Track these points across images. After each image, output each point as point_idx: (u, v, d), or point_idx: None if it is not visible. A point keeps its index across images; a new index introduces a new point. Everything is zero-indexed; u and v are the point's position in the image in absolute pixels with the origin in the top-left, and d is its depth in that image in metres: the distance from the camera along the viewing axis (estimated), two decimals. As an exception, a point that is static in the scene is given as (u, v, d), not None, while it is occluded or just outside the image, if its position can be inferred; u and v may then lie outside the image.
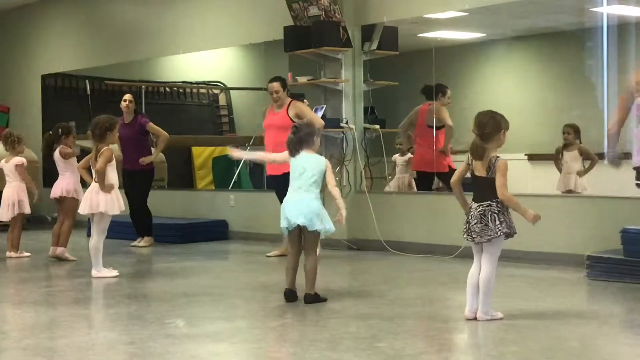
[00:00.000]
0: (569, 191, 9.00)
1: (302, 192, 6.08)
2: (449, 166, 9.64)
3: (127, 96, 9.95)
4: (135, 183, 9.92)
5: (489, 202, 5.33)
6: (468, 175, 5.51)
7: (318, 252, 6.29)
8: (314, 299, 6.10)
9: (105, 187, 7.56)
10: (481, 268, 5.38)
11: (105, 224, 7.69)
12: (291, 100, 8.67)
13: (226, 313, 5.97)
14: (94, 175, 7.67)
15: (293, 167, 6.17)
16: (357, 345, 4.91)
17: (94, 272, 7.60)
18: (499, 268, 5.52)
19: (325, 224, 6.04)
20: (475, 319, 5.39)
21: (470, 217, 5.39)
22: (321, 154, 8.79)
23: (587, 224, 7.75)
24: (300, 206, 6.03)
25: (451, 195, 5.81)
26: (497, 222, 5.30)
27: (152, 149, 10.11)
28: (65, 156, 8.81)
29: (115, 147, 8.23)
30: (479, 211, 5.34)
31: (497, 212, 5.32)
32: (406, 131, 10.39)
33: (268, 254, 8.94)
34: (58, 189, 8.88)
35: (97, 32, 13.10)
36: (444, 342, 5.15)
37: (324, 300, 6.16)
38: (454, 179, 5.59)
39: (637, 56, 9.44)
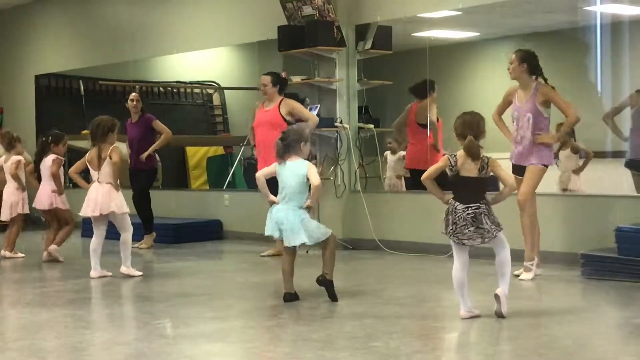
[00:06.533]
0: (565, 190, 9.00)
1: (286, 204, 6.06)
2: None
3: (133, 95, 9.90)
4: (138, 178, 9.92)
5: (477, 204, 5.34)
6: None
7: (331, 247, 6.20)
8: (327, 284, 6.07)
9: (117, 186, 7.56)
10: (497, 254, 5.41)
11: (127, 220, 7.68)
12: (283, 98, 8.66)
13: (221, 313, 5.97)
14: (95, 176, 7.62)
15: (279, 177, 6.13)
16: (352, 345, 4.91)
17: (123, 269, 7.61)
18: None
19: (311, 236, 6.01)
20: (471, 317, 5.41)
21: (456, 219, 5.37)
22: (315, 154, 8.84)
23: (582, 223, 7.76)
24: (283, 222, 6.01)
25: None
26: (490, 223, 5.31)
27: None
28: (56, 169, 8.76)
29: (122, 148, 8.17)
30: (468, 214, 5.32)
31: (487, 213, 5.33)
32: (400, 129, 10.37)
33: (262, 254, 8.94)
34: (46, 201, 8.83)
35: (90, 32, 13.08)
36: (438, 341, 5.16)
37: (334, 298, 6.09)
38: (426, 175, 5.55)
39: (631, 55, 9.47)
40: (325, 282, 6.09)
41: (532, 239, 7.05)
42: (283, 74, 9.06)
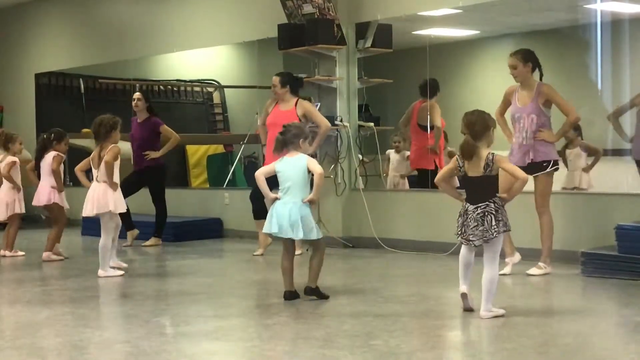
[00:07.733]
0: (575, 188, 8.98)
1: (287, 199, 6.04)
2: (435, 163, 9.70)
3: (136, 95, 9.87)
4: (144, 181, 9.88)
5: (486, 202, 5.33)
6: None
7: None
8: (313, 291, 6.11)
9: (113, 184, 7.55)
10: (484, 269, 5.38)
11: (114, 222, 7.67)
12: (298, 99, 8.56)
13: (221, 311, 5.97)
14: (95, 174, 7.63)
15: (279, 174, 6.12)
16: (352, 343, 4.91)
17: (100, 272, 7.56)
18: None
19: (307, 232, 6.01)
20: (468, 308, 5.42)
21: (468, 220, 5.37)
22: (316, 154, 8.81)
23: (582, 220, 7.76)
24: (284, 217, 6.00)
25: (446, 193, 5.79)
26: (494, 222, 5.30)
27: None
28: (56, 165, 8.76)
29: (123, 147, 8.16)
30: (477, 213, 5.32)
31: (494, 211, 5.32)
32: (406, 125, 10.30)
33: (254, 253, 8.88)
34: (45, 197, 8.83)
35: (91, 31, 13.07)
36: (438, 339, 5.15)
37: (325, 297, 6.13)
38: (438, 177, 5.60)
39: (632, 53, 9.47)
40: (312, 292, 6.13)
41: (550, 243, 7.13)
42: None
